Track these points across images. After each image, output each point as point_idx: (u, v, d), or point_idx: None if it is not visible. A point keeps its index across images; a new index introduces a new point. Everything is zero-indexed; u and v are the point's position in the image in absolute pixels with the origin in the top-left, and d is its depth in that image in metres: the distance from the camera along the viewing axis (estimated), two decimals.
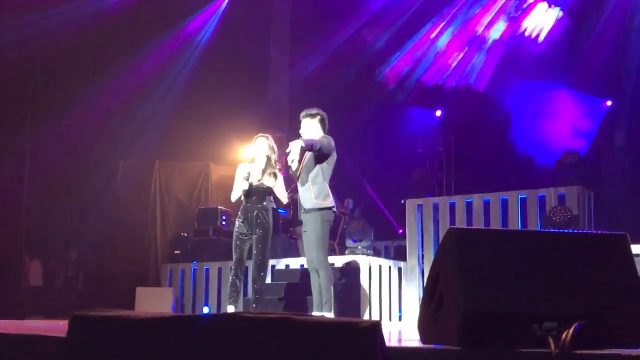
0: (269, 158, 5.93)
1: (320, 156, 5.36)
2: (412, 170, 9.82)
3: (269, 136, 6.06)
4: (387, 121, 12.10)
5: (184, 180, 11.91)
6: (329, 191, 5.43)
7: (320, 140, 5.30)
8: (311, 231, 5.38)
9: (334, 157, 5.45)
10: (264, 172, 5.85)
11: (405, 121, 12.15)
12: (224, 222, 10.27)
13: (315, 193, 5.34)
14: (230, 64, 11.99)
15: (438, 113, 12.07)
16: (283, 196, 5.96)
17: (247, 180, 5.84)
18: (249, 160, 6.02)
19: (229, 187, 6.09)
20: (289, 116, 12.39)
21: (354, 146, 11.45)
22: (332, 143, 5.39)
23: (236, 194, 5.84)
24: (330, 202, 5.41)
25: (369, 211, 10.96)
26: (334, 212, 5.48)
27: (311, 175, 5.38)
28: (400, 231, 10.72)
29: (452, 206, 8.18)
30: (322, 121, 5.56)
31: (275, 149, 6.04)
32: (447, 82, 11.93)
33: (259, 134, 6.04)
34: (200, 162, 12.10)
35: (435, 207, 8.32)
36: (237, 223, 5.90)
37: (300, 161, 5.52)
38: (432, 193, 9.53)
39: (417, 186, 9.18)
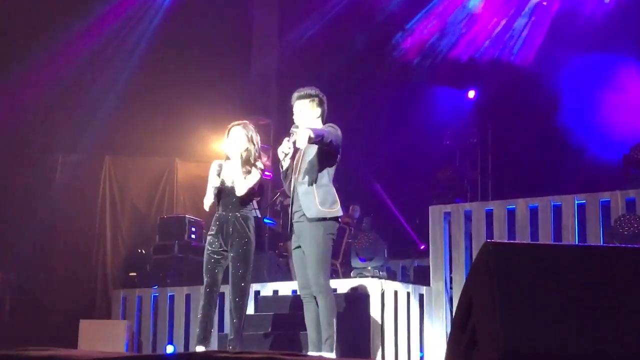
0: (248, 152, 5.92)
1: (327, 152, 5.36)
2: (438, 168, 9.82)
3: (248, 124, 6.04)
4: (404, 105, 12.10)
5: (142, 180, 11.97)
6: (337, 196, 5.44)
7: (330, 131, 5.31)
8: (309, 246, 5.35)
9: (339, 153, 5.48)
10: (242, 170, 5.85)
11: (429, 105, 12.15)
12: (193, 236, 10.28)
13: (320, 198, 5.33)
14: (201, 32, 12.03)
15: (471, 94, 12.08)
16: (241, 185, 5.87)
17: (220, 180, 5.84)
18: (225, 157, 6.01)
19: (200, 190, 6.10)
20: (278, 99, 12.43)
21: (362, 137, 11.46)
22: (340, 135, 5.41)
23: (210, 198, 5.84)
24: (337, 210, 5.41)
25: (382, 221, 10.98)
26: (338, 222, 5.47)
27: (314, 175, 5.38)
28: (422, 247, 10.75)
29: (489, 214, 8.21)
30: (321, 104, 5.56)
31: (257, 140, 6.01)
32: (483, 55, 11.95)
33: (234, 123, 6.03)
34: (164, 158, 12.13)
35: (468, 216, 8.35)
36: (209, 237, 5.90)
37: (293, 157, 5.52)
38: (463, 197, 9.54)
39: (443, 188, 9.21)
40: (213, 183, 5.84)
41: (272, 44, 13.09)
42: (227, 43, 12.33)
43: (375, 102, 12.23)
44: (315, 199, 5.35)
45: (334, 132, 5.35)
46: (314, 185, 5.36)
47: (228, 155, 5.92)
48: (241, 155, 5.87)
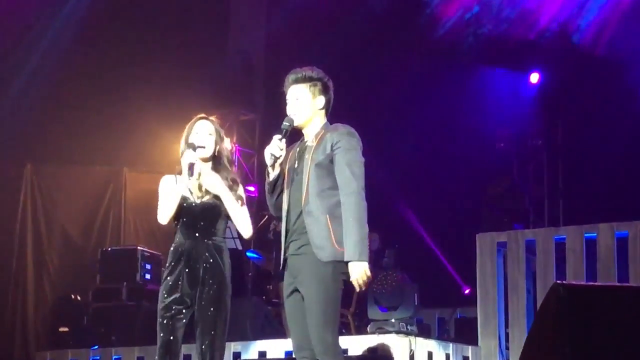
0: (219, 155, 5.95)
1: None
2: (488, 182, 9.81)
3: (214, 120, 6.08)
4: (440, 95, 12.11)
5: (77, 198, 11.98)
6: None
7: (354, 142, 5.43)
8: (312, 289, 5.31)
9: None
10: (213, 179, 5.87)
11: (474, 93, 12.17)
12: (148, 276, 10.29)
13: (337, 234, 5.35)
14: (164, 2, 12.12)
15: (534, 78, 12.09)
16: (245, 224, 5.92)
17: (182, 195, 5.85)
18: (177, 171, 6.03)
19: (155, 211, 6.09)
20: (265, 86, 12.45)
21: (382, 141, 11.45)
22: (361, 146, 5.46)
23: (170, 207, 5.85)
24: None
25: (410, 255, 10.94)
26: None
27: (330, 199, 5.40)
28: (467, 291, 10.76)
29: (560, 245, 8.21)
30: (326, 91, 5.58)
31: (227, 140, 6.07)
32: (552, 23, 11.96)
33: (198, 116, 6.06)
34: (107, 167, 12.15)
35: (530, 247, 8.34)
36: (165, 277, 5.88)
37: (285, 161, 5.55)
38: (523, 222, 9.54)
39: (496, 209, 9.20)
40: (174, 190, 5.83)
41: (256, 13, 13.13)
42: (194, 12, 12.40)
43: (398, 93, 12.25)
44: (331, 235, 5.34)
45: (351, 141, 5.41)
46: (328, 215, 5.38)
47: (188, 163, 5.90)
48: (218, 153, 5.91)
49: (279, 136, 5.40)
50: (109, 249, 10.87)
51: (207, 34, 12.61)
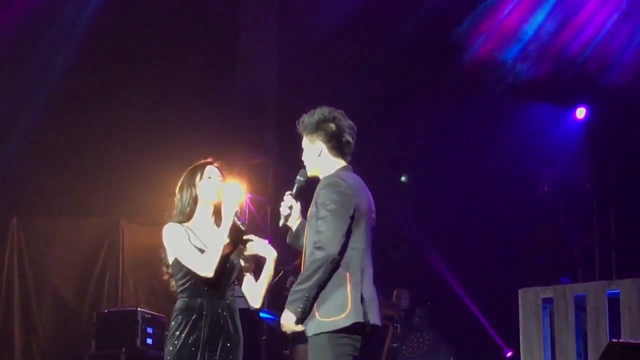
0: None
1: None
2: (532, 230, 9.76)
3: (220, 167, 6.12)
4: (475, 131, 12.13)
5: (69, 253, 11.93)
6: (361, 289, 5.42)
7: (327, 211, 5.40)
8: None
9: (358, 213, 5.42)
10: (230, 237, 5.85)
11: (514, 130, 12.16)
12: (149, 341, 10.23)
13: (321, 299, 5.39)
14: (161, 29, 12.18)
15: (580, 113, 12.08)
16: (258, 293, 5.92)
17: (200, 248, 5.84)
18: (175, 220, 6.02)
19: (160, 267, 6.06)
20: (278, 125, 12.44)
21: (410, 182, 11.43)
22: (346, 198, 5.41)
23: (216, 260, 5.83)
24: (349, 314, 5.38)
25: (443, 313, 10.92)
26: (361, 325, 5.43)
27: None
28: (509, 354, 10.74)
29: (614, 300, 8.16)
30: (325, 136, 5.60)
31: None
32: (601, 53, 11.96)
33: (207, 160, 6.07)
34: (103, 219, 12.13)
35: (579, 304, 8.29)
36: (174, 341, 5.82)
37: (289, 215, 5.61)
38: (572, 275, 9.48)
39: (540, 261, 9.15)
40: (218, 237, 5.82)
41: (267, 46, 13.20)
42: (198, 46, 12.46)
43: (428, 134, 12.27)
44: (314, 305, 5.40)
45: (326, 204, 5.39)
46: None
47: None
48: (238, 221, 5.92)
49: (290, 192, 5.50)
50: (106, 311, 10.79)
51: (213, 69, 12.65)
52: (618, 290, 8.23)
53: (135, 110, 11.95)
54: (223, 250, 5.82)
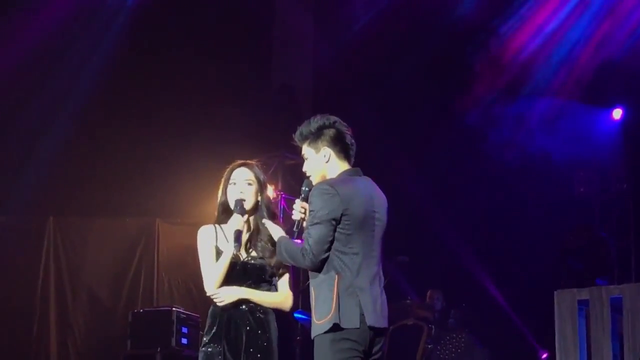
0: (267, 207, 5.95)
1: None
2: (567, 232, 9.69)
3: (255, 165, 6.09)
4: (509, 133, 12.06)
5: (104, 253, 12.00)
6: (356, 292, 5.41)
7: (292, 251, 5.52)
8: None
9: (350, 217, 5.42)
10: (256, 235, 5.86)
11: (549, 132, 12.08)
12: (184, 340, 10.26)
13: (317, 303, 5.43)
14: (196, 33, 12.23)
15: (617, 114, 12.00)
16: (286, 295, 5.94)
17: (224, 252, 5.83)
18: (215, 220, 6.02)
19: (196, 268, 6.08)
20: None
21: (442, 184, 11.38)
22: (332, 204, 5.41)
23: (218, 276, 5.82)
24: (331, 317, 5.38)
25: (478, 315, 10.88)
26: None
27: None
28: (545, 356, 10.71)
29: None
30: (331, 140, 5.62)
31: (270, 188, 6.09)
32: (632, 60, 11.87)
33: (236, 162, 6.06)
34: (138, 219, 12.18)
35: (616, 305, 8.22)
36: (204, 349, 5.82)
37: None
38: (607, 277, 9.40)
39: (576, 263, 9.09)
40: (224, 253, 5.81)
41: (303, 45, 13.18)
42: (233, 45, 12.47)
43: (461, 134, 12.26)
44: (312, 309, 5.47)
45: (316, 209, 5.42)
46: (314, 286, 5.48)
47: (234, 230, 5.88)
48: (260, 202, 5.91)
49: (299, 200, 5.60)
50: (141, 310, 10.86)
51: (249, 69, 12.66)
52: None
53: (171, 110, 12.02)
54: (246, 256, 5.82)
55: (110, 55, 12.28)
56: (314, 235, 5.34)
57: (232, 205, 5.92)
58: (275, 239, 5.58)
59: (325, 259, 5.38)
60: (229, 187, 5.97)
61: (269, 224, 5.73)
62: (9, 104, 11.89)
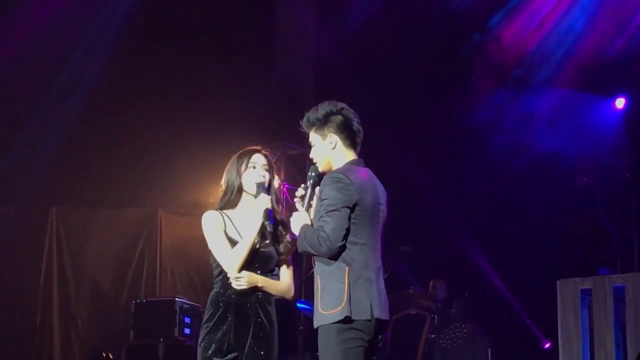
0: (276, 194, 5.98)
1: None
2: (570, 221, 9.69)
3: (268, 154, 6.12)
4: (512, 122, 12.05)
5: (107, 243, 12.03)
6: (363, 284, 5.40)
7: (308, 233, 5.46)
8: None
9: (361, 207, 5.40)
10: (269, 224, 5.86)
11: (551, 121, 12.07)
12: (187, 331, 10.27)
13: (323, 293, 5.41)
14: (199, 24, 12.25)
15: (620, 103, 11.99)
16: (289, 284, 5.95)
17: (233, 238, 5.83)
18: (219, 206, 6.02)
19: (199, 259, 6.07)
20: None
21: (446, 174, 11.38)
22: (347, 193, 5.39)
23: (239, 257, 5.82)
24: (343, 308, 5.37)
25: (481, 304, 10.89)
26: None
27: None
28: (547, 345, 10.72)
29: None
30: (338, 127, 5.61)
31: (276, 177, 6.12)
32: (635, 49, 11.87)
33: (253, 147, 6.06)
34: (141, 210, 12.20)
35: (619, 295, 8.23)
36: (205, 338, 5.81)
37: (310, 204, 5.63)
38: (610, 266, 9.40)
39: (579, 252, 9.07)
40: (248, 232, 5.83)
41: (304, 35, 13.18)
42: (235, 36, 12.47)
43: (462, 122, 12.23)
44: (318, 298, 5.43)
45: (331, 195, 5.38)
46: (320, 275, 5.45)
47: (265, 209, 5.89)
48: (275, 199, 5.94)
49: (303, 185, 5.62)
50: (144, 300, 10.86)
51: (251, 60, 12.67)
52: None
53: (174, 102, 12.03)
54: (253, 245, 5.83)
55: (113, 48, 12.31)
56: (330, 222, 5.31)
57: (249, 188, 5.93)
58: (299, 226, 5.51)
59: (343, 247, 5.35)
60: (248, 171, 5.97)
61: (297, 213, 5.68)
62: (12, 96, 11.88)
